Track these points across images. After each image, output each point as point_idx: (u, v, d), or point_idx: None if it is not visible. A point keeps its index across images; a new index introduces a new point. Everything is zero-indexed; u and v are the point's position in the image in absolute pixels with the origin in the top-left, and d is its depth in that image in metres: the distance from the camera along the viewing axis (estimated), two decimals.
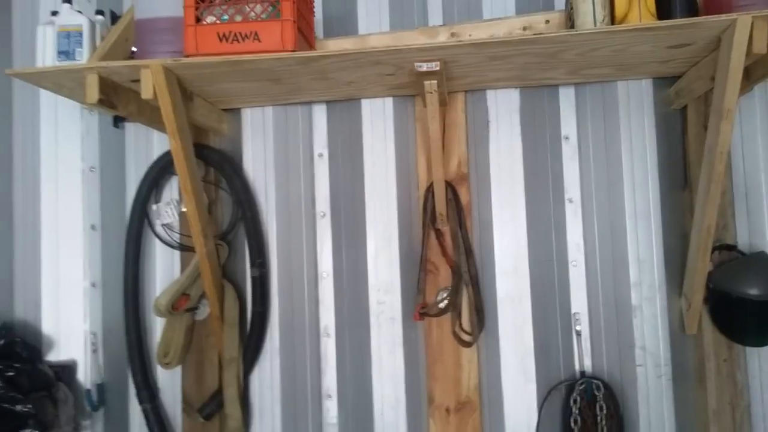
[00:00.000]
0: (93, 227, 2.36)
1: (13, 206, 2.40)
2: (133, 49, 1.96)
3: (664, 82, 2.10)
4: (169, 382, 2.27)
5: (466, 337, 2.11)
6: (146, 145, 2.36)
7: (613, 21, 1.73)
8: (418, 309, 2.10)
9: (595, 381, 2.02)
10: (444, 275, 2.16)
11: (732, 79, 1.58)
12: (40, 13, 2.45)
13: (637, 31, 1.61)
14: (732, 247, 1.99)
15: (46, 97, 2.41)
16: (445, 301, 2.10)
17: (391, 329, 2.20)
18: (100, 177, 2.39)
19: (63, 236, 2.37)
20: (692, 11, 1.72)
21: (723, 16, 1.54)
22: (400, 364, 2.18)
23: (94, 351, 2.30)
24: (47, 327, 2.35)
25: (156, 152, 2.33)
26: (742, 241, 2.02)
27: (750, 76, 1.77)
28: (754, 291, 1.86)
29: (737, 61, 1.56)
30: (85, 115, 2.40)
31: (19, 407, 2.00)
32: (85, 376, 2.30)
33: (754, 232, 2.03)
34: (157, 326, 2.28)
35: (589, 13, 1.74)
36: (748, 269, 1.92)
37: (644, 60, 1.88)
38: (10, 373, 2.07)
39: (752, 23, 1.52)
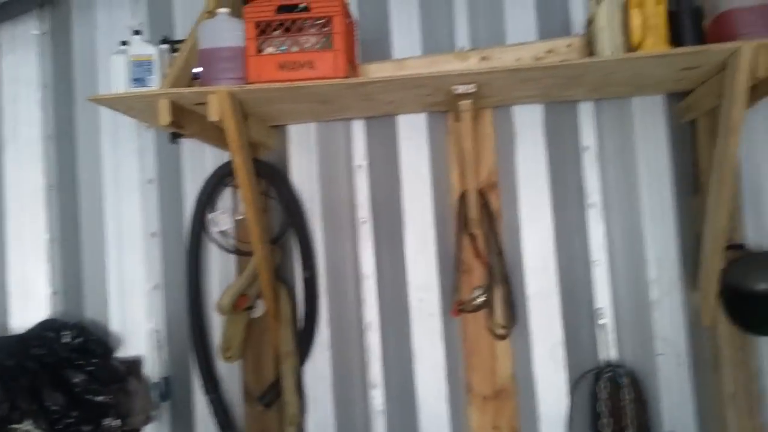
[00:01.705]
0: (153, 234, 2.58)
1: (79, 217, 2.63)
2: (195, 70, 2.12)
3: (675, 97, 2.26)
4: (230, 374, 2.48)
5: (500, 331, 2.30)
6: (201, 159, 2.55)
7: (630, 46, 1.91)
8: (455, 306, 2.30)
9: (620, 369, 2.20)
10: (478, 275, 2.35)
11: (738, 99, 1.74)
12: (97, 41, 2.66)
13: (653, 57, 1.80)
14: (741, 246, 2.17)
15: (105, 117, 2.61)
16: (481, 298, 2.29)
17: (431, 324, 2.38)
18: (158, 188, 2.60)
19: (126, 244, 2.59)
20: (700, 37, 1.88)
21: (729, 44, 1.71)
22: (440, 356, 2.37)
23: (159, 347, 2.53)
24: (114, 326, 2.56)
25: (209, 165, 2.52)
26: (751, 240, 2.19)
27: (757, 93, 1.92)
28: (762, 286, 2.05)
29: (742, 83, 1.72)
30: (142, 132, 2.61)
31: (100, 398, 2.22)
32: (152, 370, 2.52)
33: (762, 231, 2.20)
34: (215, 324, 2.48)
35: (607, 40, 1.93)
36: (756, 266, 2.10)
37: (658, 80, 2.06)
38: (90, 368, 2.29)
39: (755, 50, 1.68)
